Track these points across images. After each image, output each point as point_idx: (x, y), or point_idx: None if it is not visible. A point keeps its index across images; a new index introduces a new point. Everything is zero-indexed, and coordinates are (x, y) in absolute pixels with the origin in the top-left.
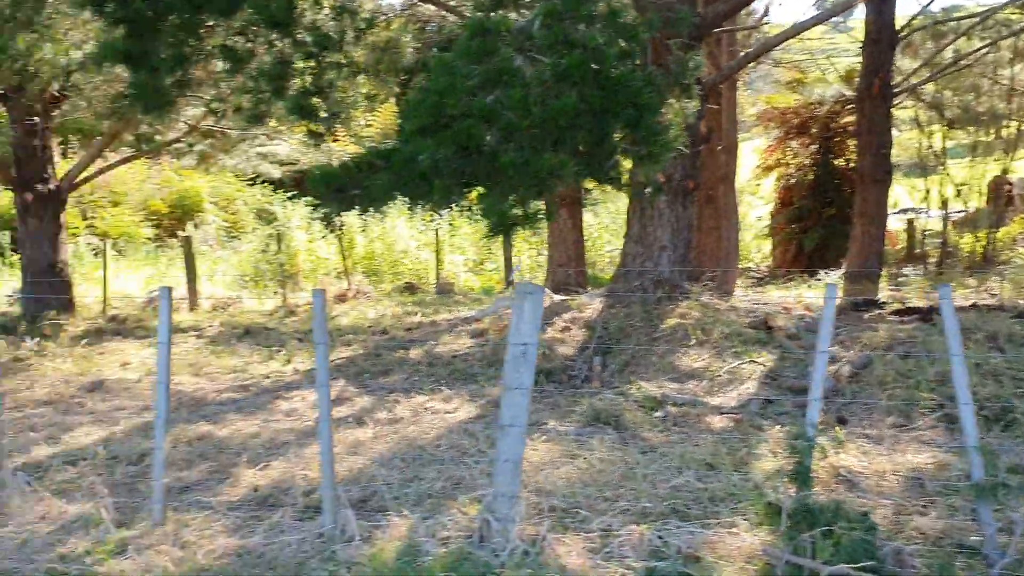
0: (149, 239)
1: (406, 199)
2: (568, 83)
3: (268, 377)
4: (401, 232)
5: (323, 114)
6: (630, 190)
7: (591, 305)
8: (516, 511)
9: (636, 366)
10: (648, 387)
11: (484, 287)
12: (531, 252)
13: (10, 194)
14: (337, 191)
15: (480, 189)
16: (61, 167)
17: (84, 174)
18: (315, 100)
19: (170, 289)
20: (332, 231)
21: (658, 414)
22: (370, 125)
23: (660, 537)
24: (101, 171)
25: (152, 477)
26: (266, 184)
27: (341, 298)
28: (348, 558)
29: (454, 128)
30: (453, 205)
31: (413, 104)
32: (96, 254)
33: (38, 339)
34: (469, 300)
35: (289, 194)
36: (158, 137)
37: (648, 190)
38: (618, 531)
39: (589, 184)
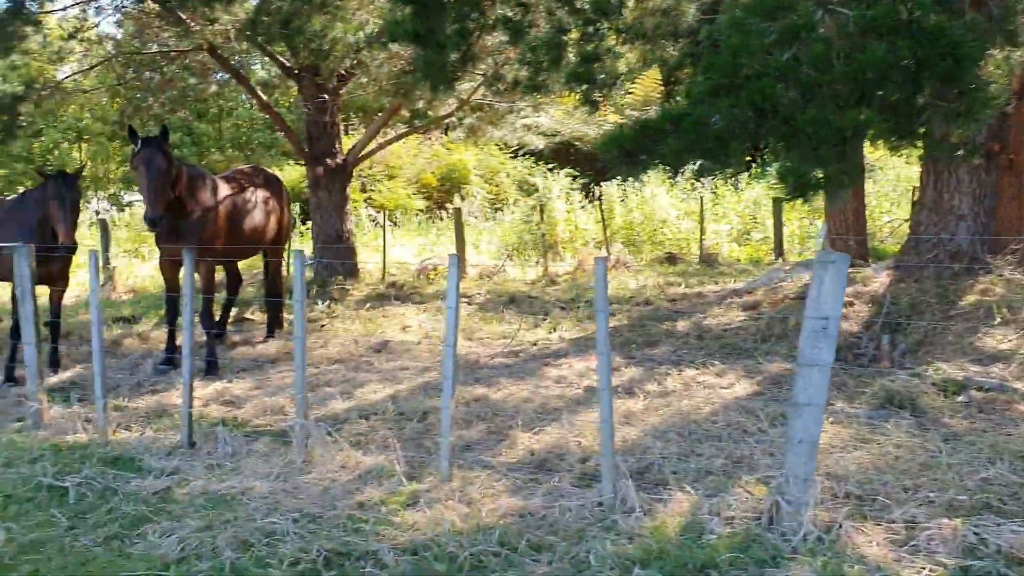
0: (420, 211)
1: (701, 162)
2: (875, 35)
3: (535, 344)
4: (661, 201)
5: (599, 82)
6: (927, 152)
7: (876, 278)
8: (810, 495)
9: (930, 346)
10: (947, 369)
11: (751, 258)
12: (801, 222)
13: (302, 169)
14: (626, 155)
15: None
16: (345, 143)
17: (366, 149)
18: (592, 67)
19: (459, 257)
20: (591, 201)
21: (960, 399)
22: (630, 93)
23: (976, 533)
24: (381, 146)
25: (438, 435)
26: (528, 156)
27: None
28: (629, 529)
29: (749, 88)
30: (750, 168)
31: (705, 65)
32: (375, 224)
33: (328, 302)
34: (735, 271)
35: (549, 165)
36: (431, 112)
37: (959, 152)
38: (925, 523)
39: (873, 149)
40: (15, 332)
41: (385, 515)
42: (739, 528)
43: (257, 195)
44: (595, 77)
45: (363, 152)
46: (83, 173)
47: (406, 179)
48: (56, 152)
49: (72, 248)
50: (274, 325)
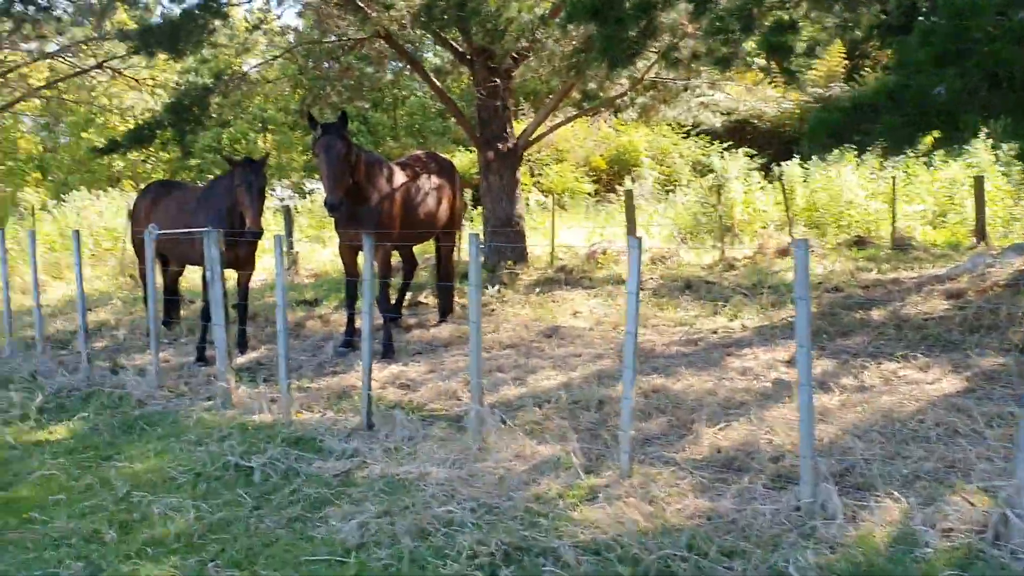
0: (589, 194)
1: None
2: None
3: (715, 332)
4: (847, 180)
5: (798, 50)
6: None
7: None
8: None
9: None
10: None
11: (948, 241)
12: (1003, 202)
13: (472, 155)
14: (836, 137)
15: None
16: (515, 128)
17: (536, 132)
18: (788, 36)
19: (639, 239)
20: (771, 181)
21: None
22: (812, 69)
23: None
24: (551, 129)
25: (615, 426)
26: (702, 136)
27: (783, 252)
28: (830, 537)
29: (979, 53)
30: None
31: (923, 32)
32: (543, 208)
33: (498, 287)
34: (932, 256)
35: (725, 145)
36: (603, 93)
37: None
38: None
39: None
40: (205, 314)
41: (563, 510)
42: (959, 542)
43: (431, 181)
44: (792, 46)
45: (533, 136)
46: (268, 160)
47: (574, 162)
48: (243, 142)
49: (258, 233)
50: (447, 309)
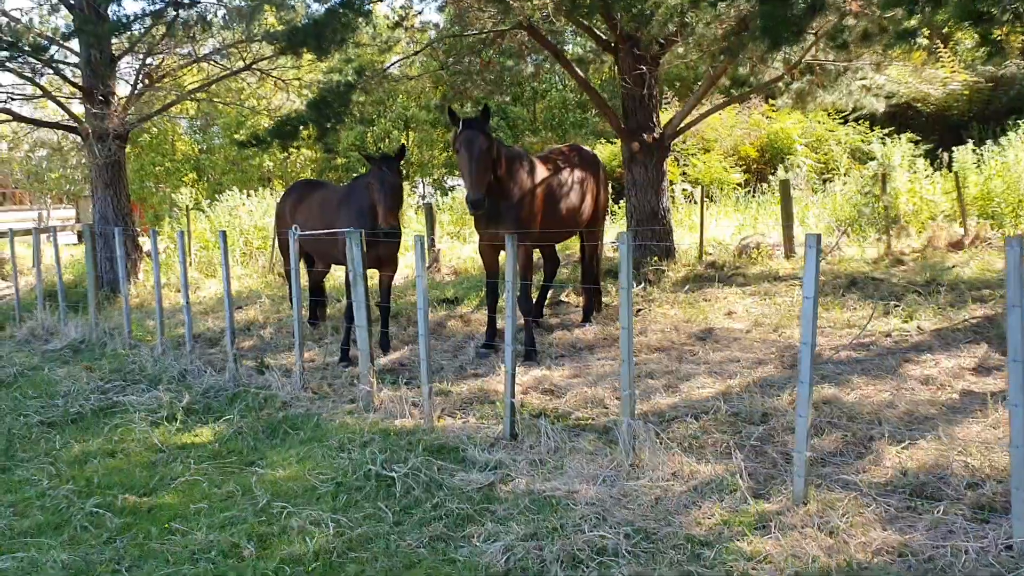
0: (739, 185)
1: None
2: None
3: (889, 335)
4: None
5: (1003, 16)
6: None
7: None
8: None
9: None
10: None
11: None
12: None
13: (613, 147)
14: None
15: None
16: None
17: (685, 121)
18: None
19: (818, 237)
20: (938, 169)
21: None
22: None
23: None
24: (700, 117)
25: (782, 443)
26: (860, 121)
27: (955, 246)
28: None
29: None
30: None
31: None
32: (690, 201)
33: (644, 285)
34: None
35: (885, 130)
36: (755, 79)
37: None
38: None
39: None
40: (349, 314)
41: (730, 539)
42: None
43: (574, 175)
44: (990, 12)
45: (682, 124)
46: (404, 155)
47: (722, 151)
48: (387, 140)
49: (393, 231)
50: (591, 309)
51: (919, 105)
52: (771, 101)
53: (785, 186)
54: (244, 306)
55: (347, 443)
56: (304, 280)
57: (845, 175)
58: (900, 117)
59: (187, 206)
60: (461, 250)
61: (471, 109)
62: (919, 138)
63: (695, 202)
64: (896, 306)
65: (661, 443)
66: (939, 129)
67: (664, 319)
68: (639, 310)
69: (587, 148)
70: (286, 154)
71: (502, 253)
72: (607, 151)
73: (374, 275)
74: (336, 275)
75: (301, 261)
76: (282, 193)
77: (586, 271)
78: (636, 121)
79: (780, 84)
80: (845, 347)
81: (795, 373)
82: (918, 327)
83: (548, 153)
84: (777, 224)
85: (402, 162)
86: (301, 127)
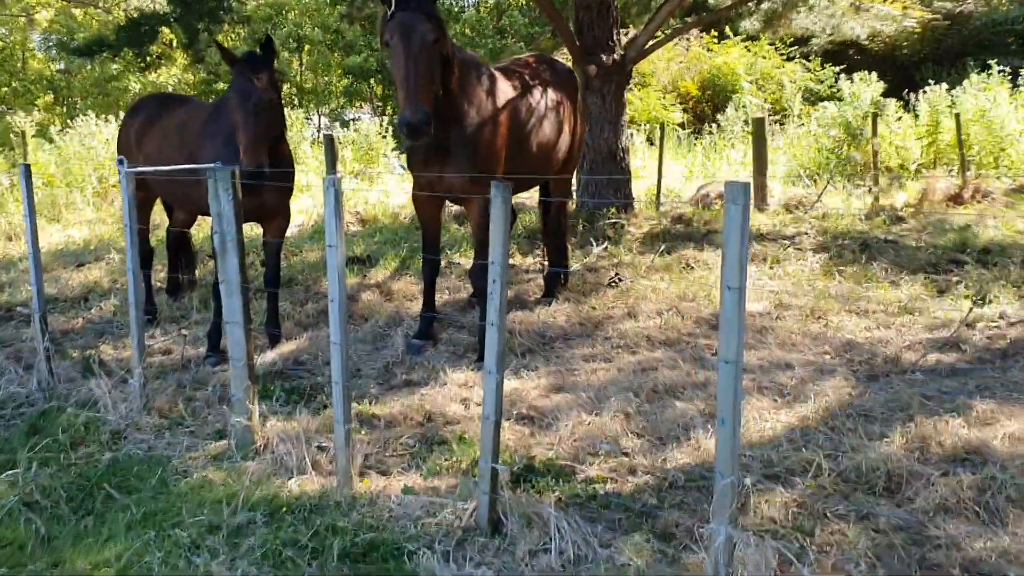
0: (680, 125)
1: None
2: None
3: (972, 326)
4: (1000, 111)
5: None
6: None
7: None
8: None
9: None
10: None
11: None
12: None
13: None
14: None
15: None
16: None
17: (649, 43)
18: None
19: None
20: (911, 111)
21: None
22: None
23: None
24: (663, 41)
25: (965, 552)
26: (811, 58)
27: (954, 200)
28: None
29: None
30: None
31: None
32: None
33: (604, 243)
34: None
35: (837, 68)
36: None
37: None
38: None
39: None
40: (218, 294)
41: None
42: None
43: (548, 97)
44: None
45: (648, 45)
46: (275, 53)
47: (660, 87)
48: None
49: (257, 171)
50: (556, 281)
51: (865, 43)
52: (727, 27)
53: (759, 125)
54: (87, 263)
55: (207, 533)
56: (162, 234)
57: (800, 117)
58: (842, 56)
59: (23, 131)
60: (368, 193)
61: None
62: (890, 78)
63: (642, 143)
64: (956, 282)
65: (758, 547)
66: (887, 70)
67: (654, 296)
68: (616, 279)
69: (560, 60)
70: (156, 73)
71: (448, 207)
72: None
73: (255, 231)
74: (205, 226)
75: (150, 206)
76: (127, 112)
77: (551, 229)
78: (592, 37)
79: (750, 5)
80: (925, 345)
81: (886, 390)
82: (1000, 313)
83: (509, 64)
84: (734, 171)
85: (275, 65)
86: (161, 27)
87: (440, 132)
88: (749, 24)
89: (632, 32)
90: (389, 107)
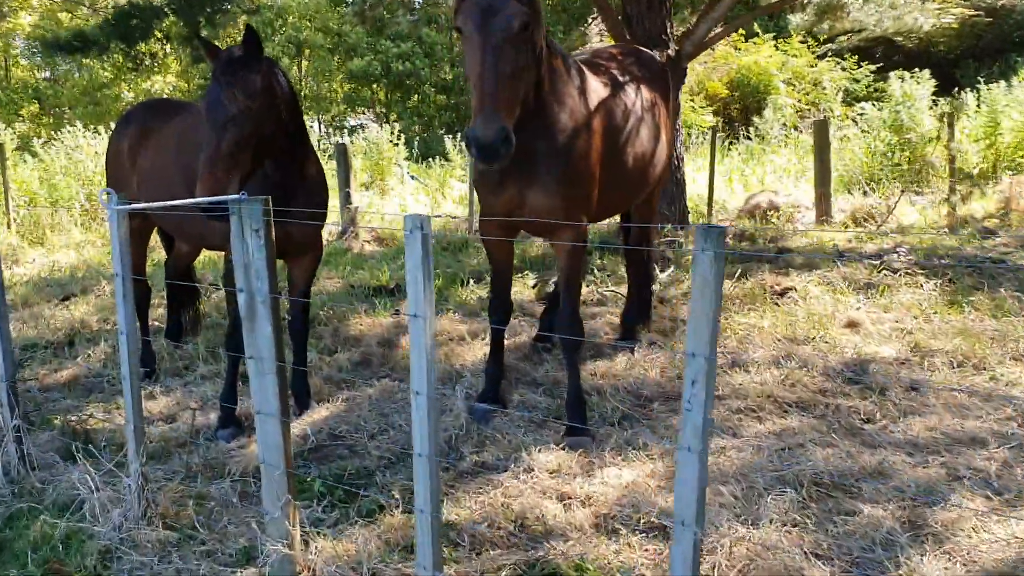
0: (712, 128)
1: None
2: None
3: None
4: None
5: None
6: None
7: None
8: None
9: None
10: None
11: None
12: None
13: None
14: None
15: None
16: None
17: (709, 35)
18: None
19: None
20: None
21: None
22: None
23: None
24: (721, 34)
25: None
26: (847, 56)
27: None
28: None
29: None
30: None
31: None
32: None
33: (671, 267)
34: None
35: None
36: None
37: None
38: None
39: None
40: (233, 343)
41: None
42: None
43: (642, 97)
44: None
45: (707, 38)
46: (258, 45)
47: (686, 89)
48: None
49: (213, 207)
50: (636, 318)
51: (900, 40)
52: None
53: (821, 128)
54: (74, 295)
55: None
56: (155, 271)
57: (840, 119)
58: (870, 54)
59: (1, 146)
60: (382, 205)
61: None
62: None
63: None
64: None
65: None
66: (922, 67)
67: (757, 336)
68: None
69: (648, 51)
70: (150, 81)
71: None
72: None
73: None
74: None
75: (151, 239)
76: (117, 122)
77: (634, 258)
78: (643, 30)
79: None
80: None
81: None
82: None
83: (592, 57)
84: (778, 179)
85: (258, 65)
86: (157, 19)
87: (524, 143)
88: (799, 18)
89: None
90: (393, 113)
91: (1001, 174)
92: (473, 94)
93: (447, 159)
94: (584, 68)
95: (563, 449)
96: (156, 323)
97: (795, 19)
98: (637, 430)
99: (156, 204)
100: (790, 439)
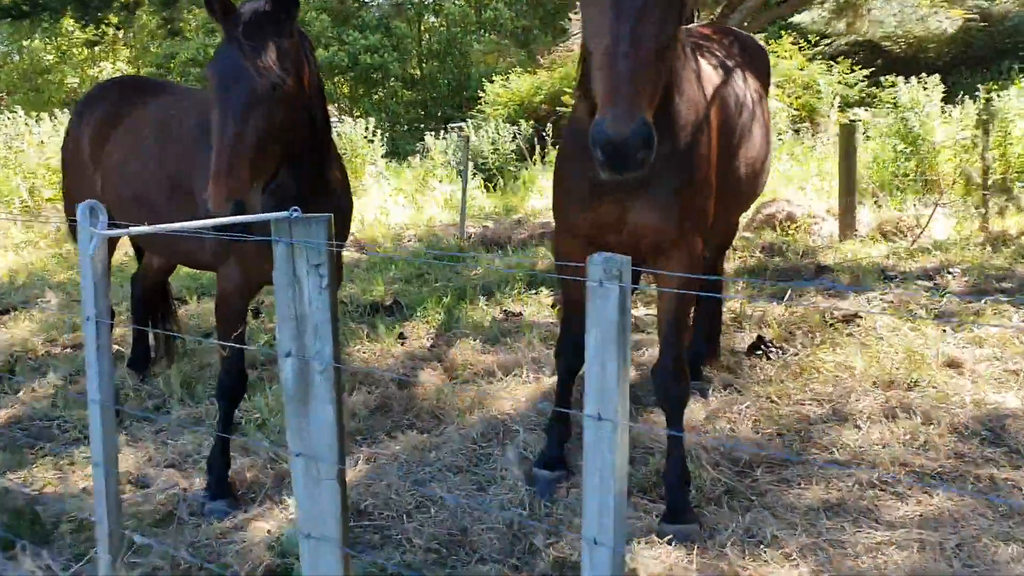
0: None
1: None
2: None
3: None
4: None
5: None
6: None
7: None
8: None
9: None
10: None
11: None
12: None
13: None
14: None
15: None
16: None
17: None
18: None
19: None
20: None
21: None
22: None
23: None
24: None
25: None
26: (839, 59)
27: None
28: None
29: None
30: None
31: None
32: None
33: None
34: None
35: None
36: None
37: None
38: None
39: None
40: (225, 389)
41: None
42: None
43: (749, 87)
44: None
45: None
46: (296, 6)
47: None
48: None
49: (236, 218)
50: (707, 354)
51: (887, 44)
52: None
53: (848, 132)
54: (14, 308)
55: None
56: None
57: (835, 125)
58: (860, 58)
59: None
60: (360, 208)
61: None
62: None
63: None
64: None
65: None
66: (911, 73)
67: (848, 377)
68: (764, 346)
69: (747, 34)
70: (97, 67)
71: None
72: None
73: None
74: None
75: (117, 250)
76: (77, 105)
77: (706, 284)
78: None
79: None
80: None
81: None
82: None
83: (686, 36)
84: (783, 184)
85: (292, 25)
86: None
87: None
88: (812, 16)
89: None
90: (358, 108)
91: (1011, 185)
92: (598, 77)
93: (428, 157)
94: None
95: (669, 543)
96: (118, 347)
97: (808, 17)
98: (754, 514)
99: (158, 228)
100: (956, 529)
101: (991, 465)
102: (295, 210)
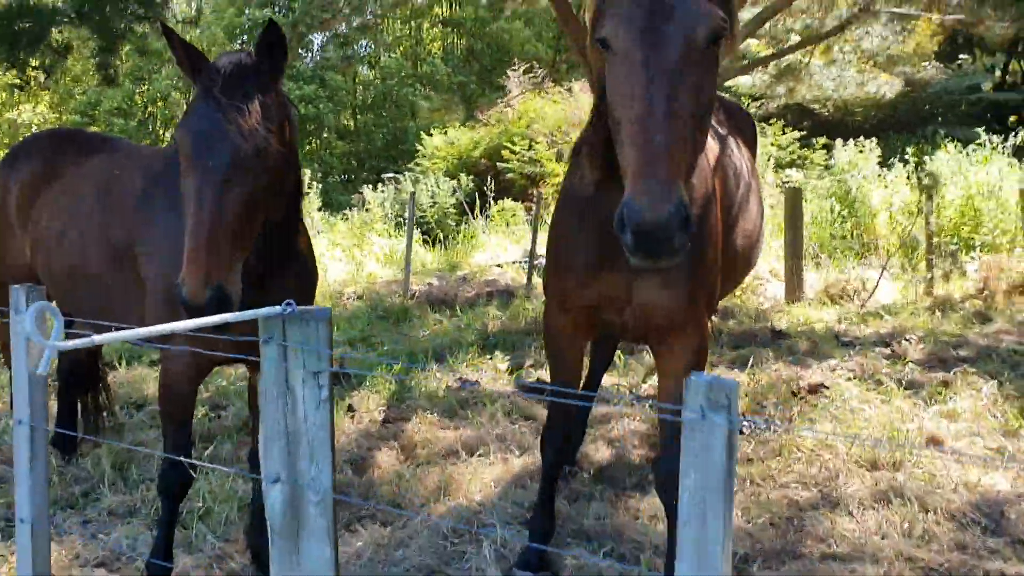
0: None
1: None
2: None
3: None
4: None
5: None
6: None
7: None
8: None
9: None
10: None
11: None
12: None
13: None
14: None
15: None
16: None
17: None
18: None
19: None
20: (923, 181)
21: None
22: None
23: None
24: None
25: None
26: (772, 121)
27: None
28: None
29: None
30: None
31: None
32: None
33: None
34: None
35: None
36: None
37: None
38: None
39: None
40: (170, 484)
41: None
42: None
43: (744, 156)
44: None
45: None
46: (283, 47)
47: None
48: (165, 103)
49: (215, 298)
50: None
51: (816, 107)
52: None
53: (795, 197)
54: None
55: None
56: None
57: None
58: (789, 120)
59: None
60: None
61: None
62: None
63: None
64: None
65: None
66: (838, 136)
67: (830, 456)
68: (742, 423)
69: (732, 100)
70: (16, 111)
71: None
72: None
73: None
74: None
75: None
76: (2, 160)
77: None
78: None
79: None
80: None
81: None
82: None
83: None
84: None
85: (279, 79)
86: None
87: None
88: (753, 80)
89: None
90: (308, 145)
91: (959, 254)
92: (625, 145)
93: (365, 210)
94: None
95: None
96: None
97: (749, 80)
98: None
99: (126, 334)
100: None
101: (997, 558)
102: (289, 304)
